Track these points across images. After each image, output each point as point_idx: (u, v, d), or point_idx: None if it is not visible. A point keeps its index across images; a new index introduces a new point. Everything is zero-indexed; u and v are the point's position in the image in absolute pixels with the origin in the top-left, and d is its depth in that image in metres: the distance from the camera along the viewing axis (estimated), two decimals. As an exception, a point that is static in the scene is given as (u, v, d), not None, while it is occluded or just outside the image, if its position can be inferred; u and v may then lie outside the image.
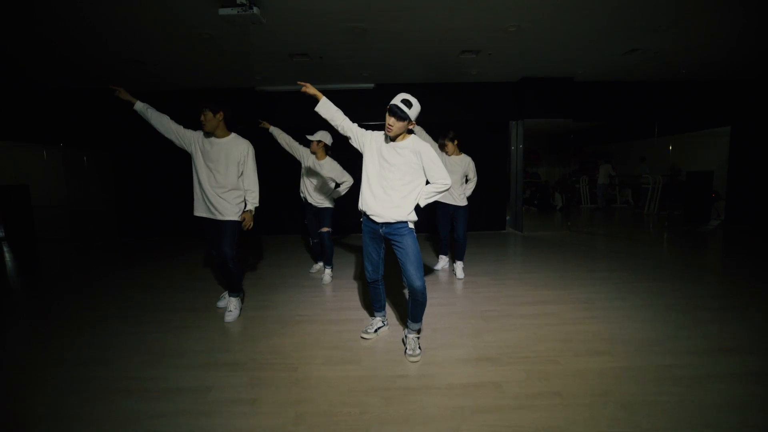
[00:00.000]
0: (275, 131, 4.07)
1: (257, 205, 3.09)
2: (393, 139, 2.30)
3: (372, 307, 2.80)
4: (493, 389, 2.03)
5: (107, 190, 7.81)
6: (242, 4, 3.52)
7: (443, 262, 4.58)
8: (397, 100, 2.19)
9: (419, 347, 2.44)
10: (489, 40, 4.96)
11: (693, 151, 9.96)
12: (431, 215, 4.42)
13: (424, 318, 2.96)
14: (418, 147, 2.29)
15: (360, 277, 4.27)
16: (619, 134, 11.46)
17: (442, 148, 4.02)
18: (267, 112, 7.21)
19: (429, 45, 5.12)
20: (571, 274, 4.29)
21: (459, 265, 4.26)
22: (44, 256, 5.93)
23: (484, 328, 2.86)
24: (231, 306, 3.16)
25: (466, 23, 4.41)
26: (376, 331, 2.73)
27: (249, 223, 3.02)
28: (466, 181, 4.17)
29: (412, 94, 2.27)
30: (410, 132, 2.36)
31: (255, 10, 3.56)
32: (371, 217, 2.38)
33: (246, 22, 3.74)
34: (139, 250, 6.35)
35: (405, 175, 2.29)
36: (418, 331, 2.50)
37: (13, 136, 6.75)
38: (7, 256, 5.95)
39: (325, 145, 3.97)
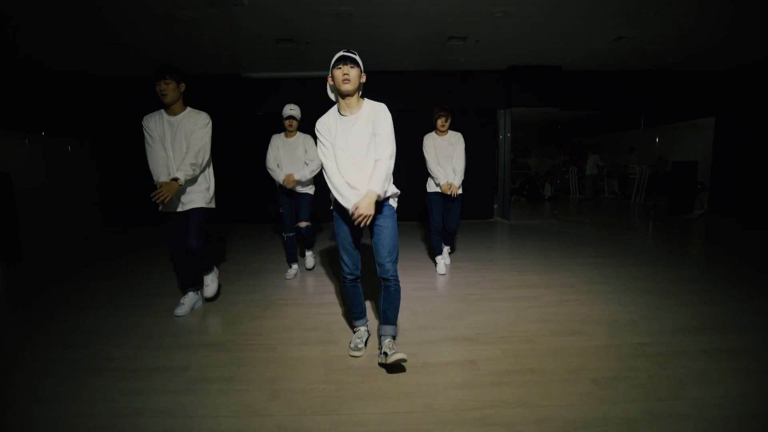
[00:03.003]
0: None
1: (185, 178, 2.56)
2: (348, 96, 2.02)
3: (351, 314, 2.36)
4: (468, 367, 2.06)
5: (90, 179, 7.69)
6: (223, -15, 3.47)
7: (442, 264, 3.93)
8: (339, 54, 2.00)
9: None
10: (476, 25, 4.95)
11: (679, 141, 10.07)
12: (419, 202, 4.40)
13: (406, 302, 2.97)
14: (375, 108, 2.06)
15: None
16: (607, 125, 11.54)
17: (437, 121, 3.59)
18: (253, 99, 7.14)
19: (416, 30, 5.09)
20: (556, 261, 4.34)
21: (445, 250, 4.05)
22: (27, 244, 5.85)
23: (465, 310, 2.89)
24: (207, 280, 2.98)
25: (453, 8, 4.39)
26: (366, 343, 2.31)
27: (163, 195, 2.45)
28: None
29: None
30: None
31: (236, -9, 3.51)
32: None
33: (228, 4, 3.68)
34: (123, 238, 6.30)
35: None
36: (394, 337, 2.17)
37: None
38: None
39: (298, 120, 3.66)
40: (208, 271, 3.02)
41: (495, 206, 7.84)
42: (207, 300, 3.10)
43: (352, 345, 2.28)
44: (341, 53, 2.01)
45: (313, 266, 4.08)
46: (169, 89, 2.54)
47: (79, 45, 5.35)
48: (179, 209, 2.70)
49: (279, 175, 3.58)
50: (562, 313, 2.80)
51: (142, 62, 6.18)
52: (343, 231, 2.16)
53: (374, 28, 4.98)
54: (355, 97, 2.06)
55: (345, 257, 2.19)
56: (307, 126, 3.98)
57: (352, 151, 2.05)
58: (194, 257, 2.82)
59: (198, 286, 3.06)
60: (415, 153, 3.75)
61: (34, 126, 7.20)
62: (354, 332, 2.38)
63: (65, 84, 6.94)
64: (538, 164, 14.01)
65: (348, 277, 2.23)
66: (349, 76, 1.97)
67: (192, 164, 2.60)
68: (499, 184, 7.82)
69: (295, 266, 3.90)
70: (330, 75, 2.05)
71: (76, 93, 7.06)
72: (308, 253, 4.03)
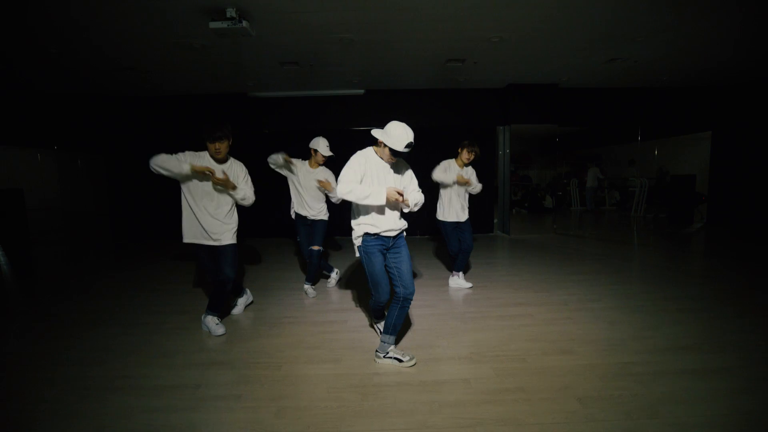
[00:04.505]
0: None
1: (242, 198, 2.99)
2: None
3: (376, 319, 2.88)
4: (461, 385, 2.19)
5: (101, 193, 7.91)
6: (232, 18, 3.67)
7: (460, 279, 4.17)
8: (401, 145, 2.24)
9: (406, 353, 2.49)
10: (473, 49, 5.15)
11: (677, 154, 10.19)
12: (416, 215, 4.51)
13: (406, 320, 3.12)
14: (404, 166, 2.54)
15: (346, 279, 4.43)
16: (607, 138, 11.70)
17: (466, 155, 3.89)
18: (259, 117, 7.36)
19: (415, 54, 5.29)
20: (552, 277, 4.46)
21: (461, 276, 4.14)
22: (39, 259, 6.04)
23: (461, 329, 3.02)
24: (240, 302, 3.47)
25: (450, 34, 4.59)
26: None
27: (221, 179, 2.80)
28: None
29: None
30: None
31: (244, 23, 3.71)
32: (386, 234, 2.42)
33: (236, 35, 3.88)
34: (133, 253, 6.47)
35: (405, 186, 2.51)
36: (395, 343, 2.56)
37: (8, 140, 6.84)
38: (2, 259, 6.03)
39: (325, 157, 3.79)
40: (216, 311, 3.09)
41: (495, 220, 7.98)
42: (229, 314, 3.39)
43: (406, 358, 2.44)
44: (403, 149, 2.24)
45: (314, 296, 3.93)
46: (223, 147, 2.86)
47: (93, 70, 5.59)
48: (212, 243, 2.95)
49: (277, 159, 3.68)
50: (553, 332, 2.92)
51: (151, 83, 6.42)
52: (379, 261, 2.42)
53: (375, 53, 5.18)
54: None
55: (381, 286, 2.45)
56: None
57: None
58: (226, 286, 3.00)
59: (241, 294, 3.53)
60: (414, 168, 3.92)
61: (47, 142, 7.45)
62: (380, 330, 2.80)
63: (77, 103, 7.19)
64: (540, 176, 14.16)
65: (381, 304, 2.59)
66: (394, 159, 2.40)
67: (247, 191, 3.04)
68: (499, 199, 7.96)
69: (334, 273, 4.27)
70: (383, 144, 2.30)
71: (87, 111, 7.31)
72: (308, 286, 3.97)
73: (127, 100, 7.33)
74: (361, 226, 2.44)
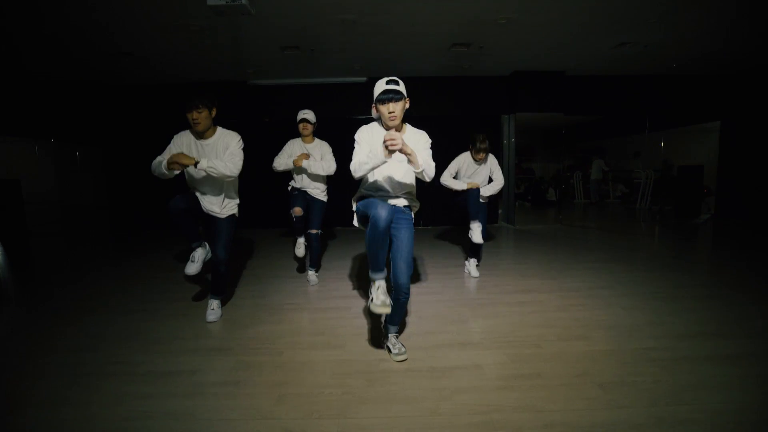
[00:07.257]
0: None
1: (208, 167, 2.49)
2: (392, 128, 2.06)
3: (389, 319, 2.28)
4: (474, 371, 2.07)
5: (99, 185, 7.78)
6: (230, -6, 3.53)
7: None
8: (382, 86, 2.00)
9: (403, 345, 2.27)
10: (480, 32, 5.00)
11: (684, 145, 10.02)
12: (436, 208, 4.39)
13: (411, 306, 3.02)
14: (417, 136, 2.17)
15: (348, 266, 4.31)
16: (612, 129, 11.52)
17: (477, 153, 3.62)
18: (260, 105, 7.22)
19: (419, 37, 5.14)
20: (560, 265, 4.34)
21: (473, 263, 3.97)
22: (36, 250, 5.92)
23: (470, 315, 2.89)
24: (214, 305, 2.93)
25: (456, 16, 4.44)
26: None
27: (181, 159, 2.42)
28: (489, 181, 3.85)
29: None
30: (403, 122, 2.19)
31: (243, 0, 3.57)
32: (381, 196, 2.16)
33: (235, 13, 3.74)
34: (131, 244, 6.36)
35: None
36: (398, 333, 2.34)
37: (4, 130, 6.70)
38: (-1, 249, 5.92)
39: (312, 124, 3.57)
40: (221, 294, 2.96)
41: (500, 211, 7.84)
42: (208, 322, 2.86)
43: (378, 301, 2.02)
44: (385, 86, 1.97)
45: (316, 283, 3.81)
46: (202, 117, 2.54)
47: (88, 55, 5.45)
48: (205, 207, 2.72)
49: (288, 162, 3.55)
50: (566, 318, 2.80)
51: (149, 70, 6.28)
52: (383, 209, 1.91)
53: (378, 36, 5.03)
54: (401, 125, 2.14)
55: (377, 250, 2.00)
56: (321, 132, 3.95)
57: (391, 165, 2.12)
58: (218, 267, 2.79)
59: (204, 240, 2.88)
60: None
61: (44, 133, 7.30)
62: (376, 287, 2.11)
63: (74, 92, 7.05)
64: (543, 169, 13.99)
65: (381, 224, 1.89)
66: (396, 114, 2.01)
67: (225, 164, 2.55)
68: (504, 190, 7.81)
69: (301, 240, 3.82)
70: (374, 105, 2.07)
71: (85, 101, 7.18)
72: (311, 272, 3.82)
73: (126, 90, 7.19)
74: (359, 193, 2.19)
